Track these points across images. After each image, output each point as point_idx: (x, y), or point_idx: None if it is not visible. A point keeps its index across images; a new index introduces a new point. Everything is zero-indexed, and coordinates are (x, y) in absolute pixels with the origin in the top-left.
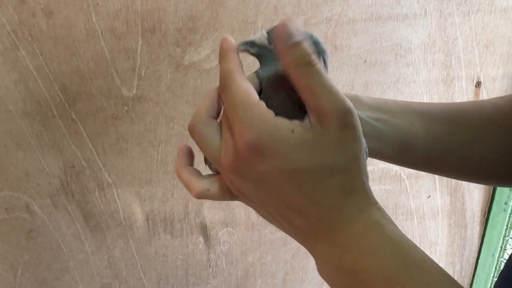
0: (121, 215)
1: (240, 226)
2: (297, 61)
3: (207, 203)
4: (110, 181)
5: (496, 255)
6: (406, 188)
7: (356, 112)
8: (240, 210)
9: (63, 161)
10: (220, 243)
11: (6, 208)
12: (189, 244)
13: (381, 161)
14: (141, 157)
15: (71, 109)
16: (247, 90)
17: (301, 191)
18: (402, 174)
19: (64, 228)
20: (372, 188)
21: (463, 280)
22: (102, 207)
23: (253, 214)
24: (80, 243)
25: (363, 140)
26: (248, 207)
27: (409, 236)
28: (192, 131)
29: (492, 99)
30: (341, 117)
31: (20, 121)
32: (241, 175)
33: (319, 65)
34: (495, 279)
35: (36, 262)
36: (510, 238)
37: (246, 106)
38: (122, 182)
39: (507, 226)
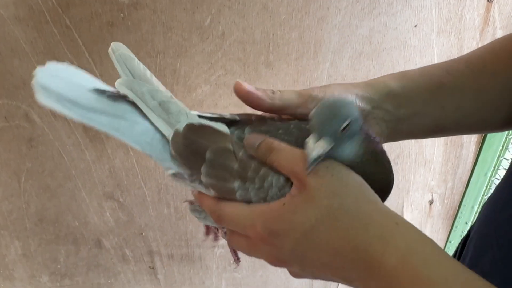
0: None
1: None
2: (263, 156)
3: None
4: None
5: (489, 174)
6: None
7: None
8: None
9: None
10: None
11: (5, 117)
12: None
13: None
14: None
15: (65, 14)
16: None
17: (324, 248)
18: None
19: (64, 137)
20: None
21: (454, 197)
22: None
23: None
24: (80, 153)
25: (351, 175)
26: None
27: (404, 154)
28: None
29: (501, 39)
30: (314, 171)
31: (13, 26)
32: (281, 260)
33: (275, 143)
34: (485, 197)
35: (39, 170)
36: (505, 158)
37: (239, 216)
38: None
39: (502, 146)
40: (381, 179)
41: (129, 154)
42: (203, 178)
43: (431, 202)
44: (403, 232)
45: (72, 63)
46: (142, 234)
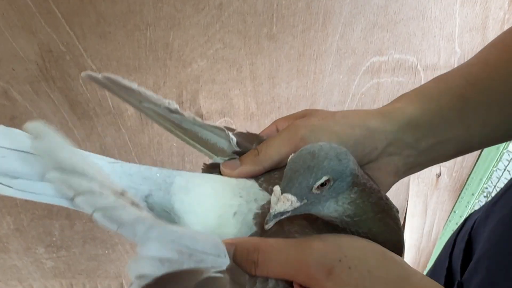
0: (110, 103)
1: (238, 116)
2: (250, 271)
3: (203, 92)
4: (94, 67)
5: (501, 148)
6: (421, 80)
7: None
8: (238, 100)
9: (38, 45)
10: None
11: None
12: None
13: (397, 52)
14: (127, 42)
15: None
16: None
17: None
18: (419, 66)
19: (49, 115)
20: (383, 80)
21: (463, 171)
22: (88, 95)
23: (252, 104)
24: (68, 130)
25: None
26: (247, 97)
27: None
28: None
29: None
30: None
31: None
32: None
33: (262, 252)
34: (495, 169)
35: None
36: None
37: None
38: (107, 69)
39: None
40: (388, 240)
41: (121, 131)
42: None
43: (438, 175)
44: None
45: (51, 37)
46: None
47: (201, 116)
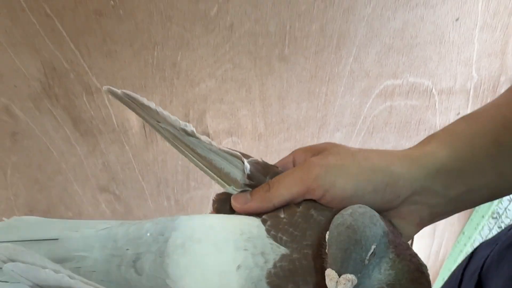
0: (114, 121)
1: (246, 136)
2: None
3: (210, 111)
4: (98, 85)
5: None
6: (435, 104)
7: None
8: (246, 120)
9: (41, 62)
10: None
11: None
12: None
13: (412, 75)
14: (134, 61)
15: (44, 2)
16: None
17: None
18: (434, 90)
19: (51, 132)
20: (396, 103)
21: None
22: (92, 112)
23: (260, 124)
24: (71, 147)
25: None
26: (256, 117)
27: None
28: None
29: None
30: None
31: None
32: None
33: None
34: None
35: (26, 163)
36: None
37: None
38: (113, 87)
39: None
40: None
41: (125, 148)
42: None
43: None
44: None
45: (54, 55)
46: None
47: (207, 135)
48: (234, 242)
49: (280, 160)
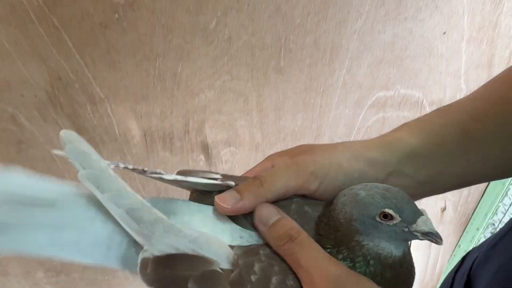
0: (116, 131)
1: (243, 146)
2: (277, 239)
3: (209, 122)
4: (102, 95)
5: (507, 183)
6: None
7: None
8: (244, 130)
9: (48, 72)
10: (222, 162)
11: None
12: (190, 161)
13: (403, 87)
14: (136, 71)
15: (52, 14)
16: None
17: None
18: (425, 101)
19: (55, 140)
20: (388, 114)
21: (468, 206)
22: (95, 121)
23: (258, 135)
24: None
25: None
26: (253, 128)
27: None
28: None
29: None
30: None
31: None
32: None
33: (303, 236)
34: (500, 204)
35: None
36: None
37: None
38: (115, 97)
39: None
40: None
41: (126, 158)
42: None
43: (443, 209)
44: None
45: (61, 65)
46: None
47: (206, 145)
48: (231, 231)
49: (255, 167)
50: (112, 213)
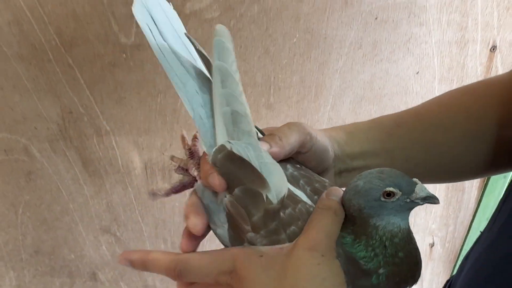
0: (120, 162)
1: None
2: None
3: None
4: (108, 128)
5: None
6: None
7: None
8: None
9: (60, 107)
10: None
11: (5, 150)
12: (187, 194)
13: None
14: (140, 107)
15: (67, 54)
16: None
17: None
18: None
19: (63, 172)
20: None
21: (455, 241)
22: (101, 153)
23: None
24: (79, 187)
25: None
26: None
27: None
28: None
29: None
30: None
31: (15, 63)
32: None
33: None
34: None
35: (37, 203)
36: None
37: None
38: (120, 130)
39: (505, 192)
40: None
41: (127, 189)
42: (227, 203)
43: (432, 245)
44: None
45: (72, 100)
46: None
47: None
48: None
49: None
50: (219, 107)
